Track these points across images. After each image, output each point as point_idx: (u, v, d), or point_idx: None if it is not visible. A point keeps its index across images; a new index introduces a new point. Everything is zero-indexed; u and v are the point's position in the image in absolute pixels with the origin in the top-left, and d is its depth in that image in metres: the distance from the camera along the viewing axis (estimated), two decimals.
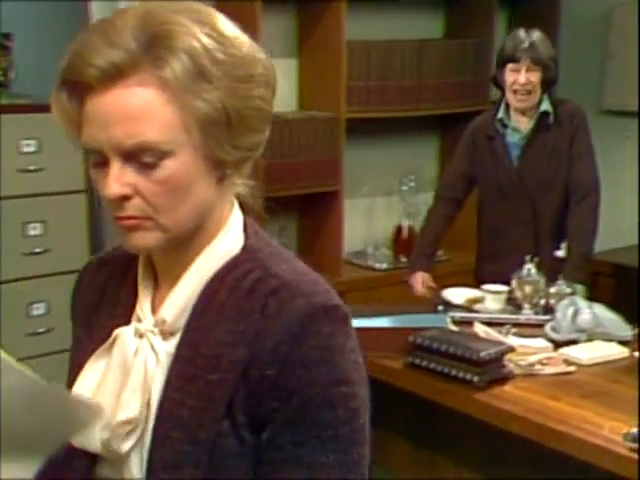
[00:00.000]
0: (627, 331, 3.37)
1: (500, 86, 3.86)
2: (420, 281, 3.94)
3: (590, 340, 3.33)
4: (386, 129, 5.12)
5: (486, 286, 3.70)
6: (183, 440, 1.22)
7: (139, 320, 1.32)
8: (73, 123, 1.23)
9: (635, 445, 2.51)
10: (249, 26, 4.25)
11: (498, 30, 5.22)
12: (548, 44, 3.80)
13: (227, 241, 1.31)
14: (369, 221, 5.22)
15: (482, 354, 2.99)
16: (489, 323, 3.44)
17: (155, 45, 1.17)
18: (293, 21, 4.81)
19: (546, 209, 3.91)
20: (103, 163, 1.21)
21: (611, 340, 3.32)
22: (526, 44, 3.70)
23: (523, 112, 3.81)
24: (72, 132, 1.25)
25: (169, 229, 1.23)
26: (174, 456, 1.22)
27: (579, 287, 3.64)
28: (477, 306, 3.65)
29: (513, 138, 3.88)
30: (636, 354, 3.20)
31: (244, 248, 1.31)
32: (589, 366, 3.15)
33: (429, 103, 4.99)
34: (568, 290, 3.55)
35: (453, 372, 3.05)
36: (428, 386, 3.13)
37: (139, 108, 1.17)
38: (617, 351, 3.25)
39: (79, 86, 1.20)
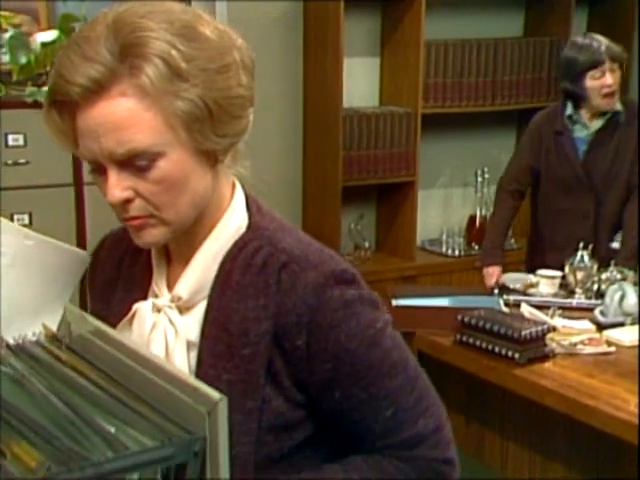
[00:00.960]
0: None
1: (576, 95, 3.77)
2: (495, 275, 3.92)
3: (634, 324, 3.30)
4: (463, 124, 5.13)
5: (540, 271, 3.70)
6: (233, 411, 1.20)
7: (155, 296, 1.35)
8: (69, 138, 1.26)
9: None
10: (333, 27, 4.34)
11: (576, 29, 5.19)
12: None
13: (233, 221, 1.32)
14: (445, 210, 5.27)
15: (524, 333, 3.01)
16: (542, 306, 3.45)
17: (129, 54, 1.17)
18: (377, 24, 4.88)
19: (608, 203, 3.88)
20: (102, 170, 1.23)
21: None
22: (603, 47, 3.66)
23: (603, 111, 3.77)
24: (70, 146, 1.27)
25: (172, 223, 1.26)
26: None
27: (630, 273, 3.61)
28: (531, 290, 3.67)
29: (581, 134, 3.85)
30: None
31: (250, 226, 1.33)
32: (629, 347, 3.13)
33: (504, 99, 5.00)
34: (618, 276, 3.53)
35: (497, 349, 3.07)
36: (474, 362, 3.16)
37: (124, 117, 1.18)
38: None
39: (66, 104, 1.21)
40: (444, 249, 5.03)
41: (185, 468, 1.09)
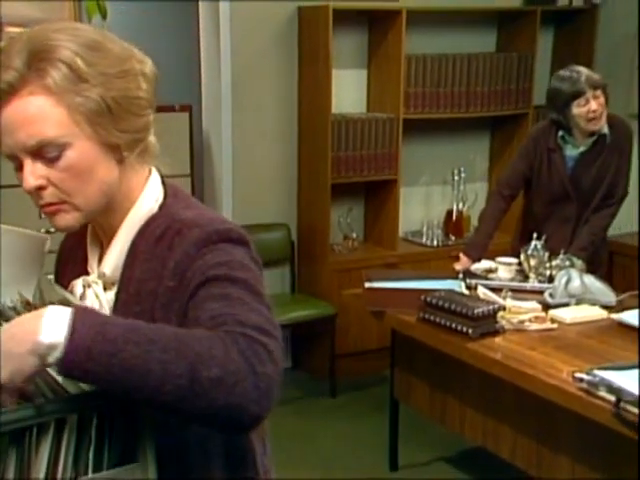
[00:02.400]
0: (611, 297, 3.38)
1: (563, 124, 3.76)
2: (465, 264, 3.89)
3: (579, 304, 3.36)
4: (441, 129, 5.20)
5: (499, 258, 3.75)
6: None
7: (87, 273, 1.41)
8: None
9: (582, 385, 2.58)
10: (324, 43, 4.36)
11: (543, 46, 5.27)
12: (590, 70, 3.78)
13: (144, 206, 1.36)
14: (426, 205, 5.32)
15: (476, 311, 3.07)
16: (500, 289, 3.50)
17: (37, 60, 1.22)
18: (364, 40, 4.95)
19: (586, 211, 3.88)
20: (21, 166, 1.27)
21: (595, 304, 3.34)
22: (583, 77, 3.65)
23: (590, 133, 3.76)
24: None
25: (83, 208, 1.29)
26: None
27: (578, 262, 3.65)
28: (492, 275, 3.72)
29: (571, 152, 3.83)
30: (613, 316, 3.23)
31: (160, 208, 1.37)
32: (570, 325, 3.18)
33: (477, 107, 5.04)
34: (567, 263, 3.58)
35: (453, 325, 3.13)
36: (434, 337, 3.22)
37: (33, 113, 1.22)
38: (597, 313, 3.26)
39: None
40: (424, 240, 5.08)
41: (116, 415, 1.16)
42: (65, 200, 1.29)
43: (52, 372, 1.17)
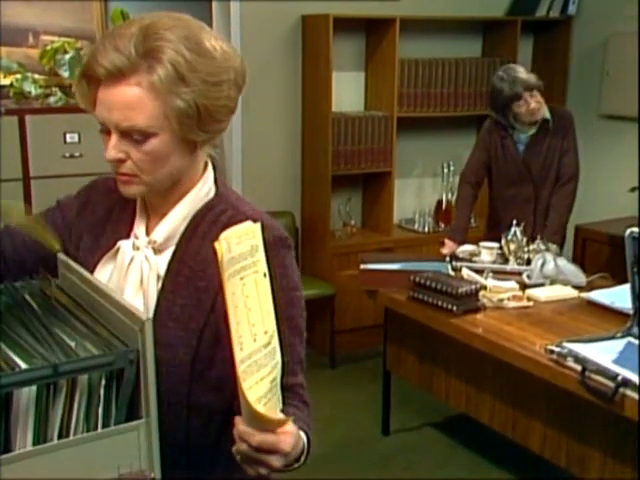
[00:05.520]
0: (582, 279, 3.39)
1: (502, 123, 3.83)
2: (450, 247, 3.89)
3: (552, 284, 3.36)
4: (431, 126, 5.19)
5: (482, 243, 3.75)
6: (177, 328, 1.31)
7: (136, 238, 1.41)
8: (89, 103, 1.32)
9: (553, 356, 2.59)
10: (325, 48, 4.36)
11: (523, 51, 5.27)
12: (525, 69, 3.80)
13: (204, 189, 1.39)
14: (418, 196, 5.32)
15: (460, 290, 3.08)
16: (483, 270, 3.50)
17: (149, 56, 1.24)
18: (362, 45, 4.93)
19: (543, 190, 3.91)
20: (108, 131, 1.30)
21: (567, 285, 3.35)
22: (518, 81, 3.68)
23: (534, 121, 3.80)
24: (88, 108, 1.33)
25: (149, 184, 1.34)
26: (170, 339, 1.32)
27: (553, 247, 3.65)
28: (475, 258, 3.72)
29: (521, 137, 3.88)
30: (582, 295, 3.23)
31: (217, 194, 1.40)
32: (544, 303, 3.19)
33: (464, 106, 5.04)
34: (543, 247, 3.58)
35: (439, 303, 3.15)
36: (421, 313, 3.24)
37: (133, 101, 1.25)
38: (569, 292, 3.27)
39: (93, 78, 1.28)
40: (416, 226, 5.08)
41: (123, 373, 1.18)
42: (137, 174, 1.32)
43: (69, 340, 1.19)
